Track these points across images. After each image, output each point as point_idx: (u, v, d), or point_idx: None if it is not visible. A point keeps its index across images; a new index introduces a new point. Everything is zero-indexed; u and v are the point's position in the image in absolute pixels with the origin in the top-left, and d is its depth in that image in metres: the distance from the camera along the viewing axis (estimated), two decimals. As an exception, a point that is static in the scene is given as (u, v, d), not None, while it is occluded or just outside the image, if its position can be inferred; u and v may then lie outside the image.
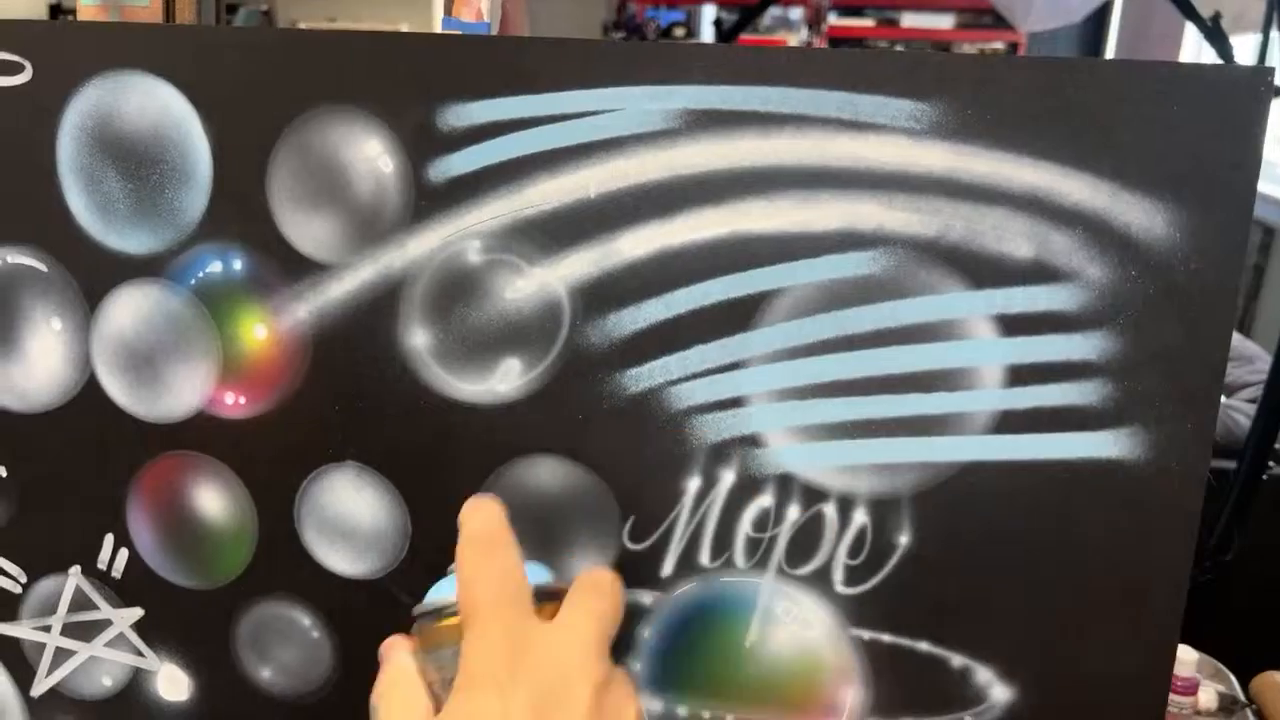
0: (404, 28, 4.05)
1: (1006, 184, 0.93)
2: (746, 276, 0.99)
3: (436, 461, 1.11)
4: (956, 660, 0.97)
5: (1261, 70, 0.86)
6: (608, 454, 1.04)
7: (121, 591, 1.12)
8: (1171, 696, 1.81)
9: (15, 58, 1.12)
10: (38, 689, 1.26)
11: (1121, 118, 0.89)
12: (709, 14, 7.88)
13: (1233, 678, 2.02)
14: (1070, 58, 0.89)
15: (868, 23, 7.82)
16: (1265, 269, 6.47)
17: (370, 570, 1.16)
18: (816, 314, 0.98)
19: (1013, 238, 0.93)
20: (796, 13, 7.56)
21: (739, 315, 0.99)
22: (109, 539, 1.18)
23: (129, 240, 1.16)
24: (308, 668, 1.20)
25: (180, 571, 1.24)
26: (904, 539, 0.98)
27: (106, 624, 1.23)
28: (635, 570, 1.06)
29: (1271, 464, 2.31)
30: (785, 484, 1.00)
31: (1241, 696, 1.96)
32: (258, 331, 1.14)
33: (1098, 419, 0.88)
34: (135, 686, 1.25)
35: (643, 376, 1.02)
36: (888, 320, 0.96)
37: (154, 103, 1.12)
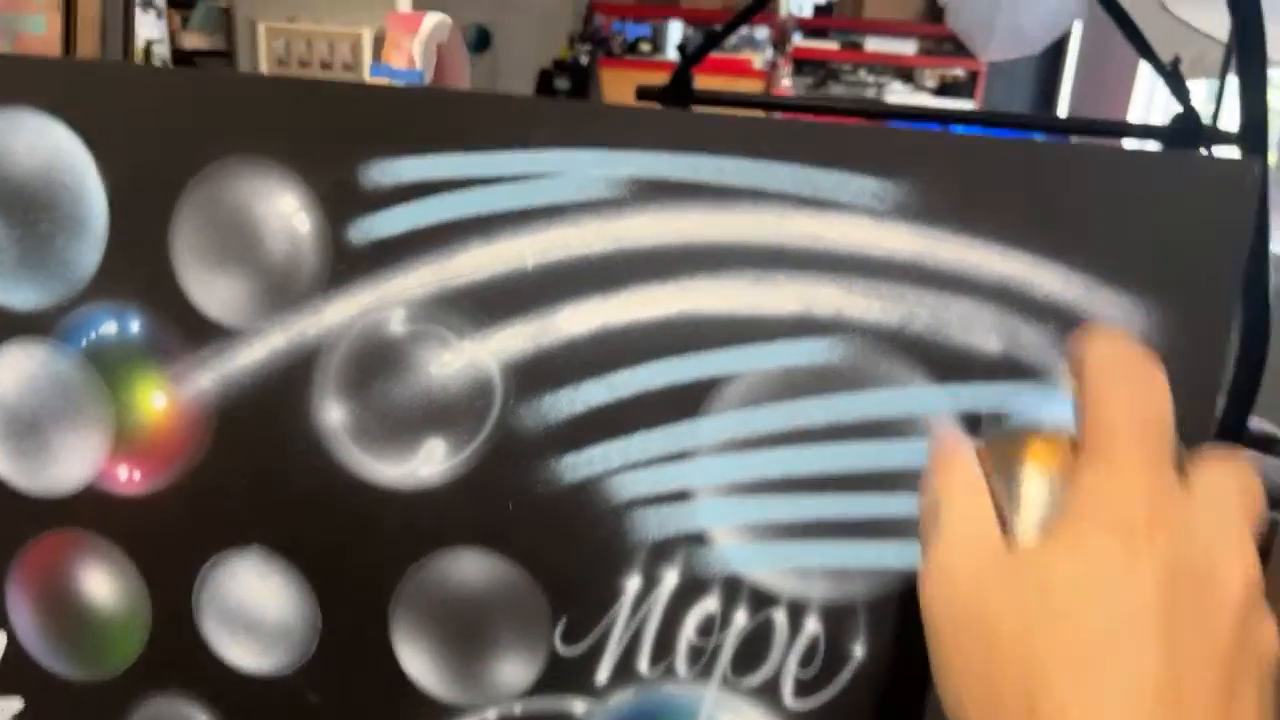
0: (366, 33, 3.89)
1: (975, 272, 0.83)
2: (695, 360, 0.88)
3: (351, 550, 0.98)
4: (913, 784, 0.87)
5: (1248, 163, 0.78)
6: (539, 547, 0.92)
7: (-8, 685, 0.95)
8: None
9: (-112, 89, 0.98)
10: (-106, 788, 1.10)
11: (1099, 207, 0.80)
12: (675, 31, 7.73)
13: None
14: (1047, 142, 0.80)
15: (832, 45, 7.75)
16: None
17: (276, 666, 1.02)
18: (769, 403, 0.87)
19: (981, 330, 0.84)
20: (762, 33, 7.40)
21: (687, 401, 0.88)
22: (-18, 622, 1.05)
23: (13, 294, 1.01)
24: (201, 772, 1.06)
25: (64, 660, 1.09)
26: (859, 650, 0.88)
27: (-23, 716, 1.08)
28: (566, 676, 0.94)
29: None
30: (733, 586, 0.89)
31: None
32: (155, 400, 1.00)
33: (1069, 528, 0.79)
34: (6, 786, 1.09)
35: (580, 464, 0.91)
36: (845, 413, 0.86)
37: (45, 143, 0.98)
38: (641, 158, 0.86)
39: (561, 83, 4.44)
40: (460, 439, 0.91)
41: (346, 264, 0.91)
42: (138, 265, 0.96)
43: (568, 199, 0.87)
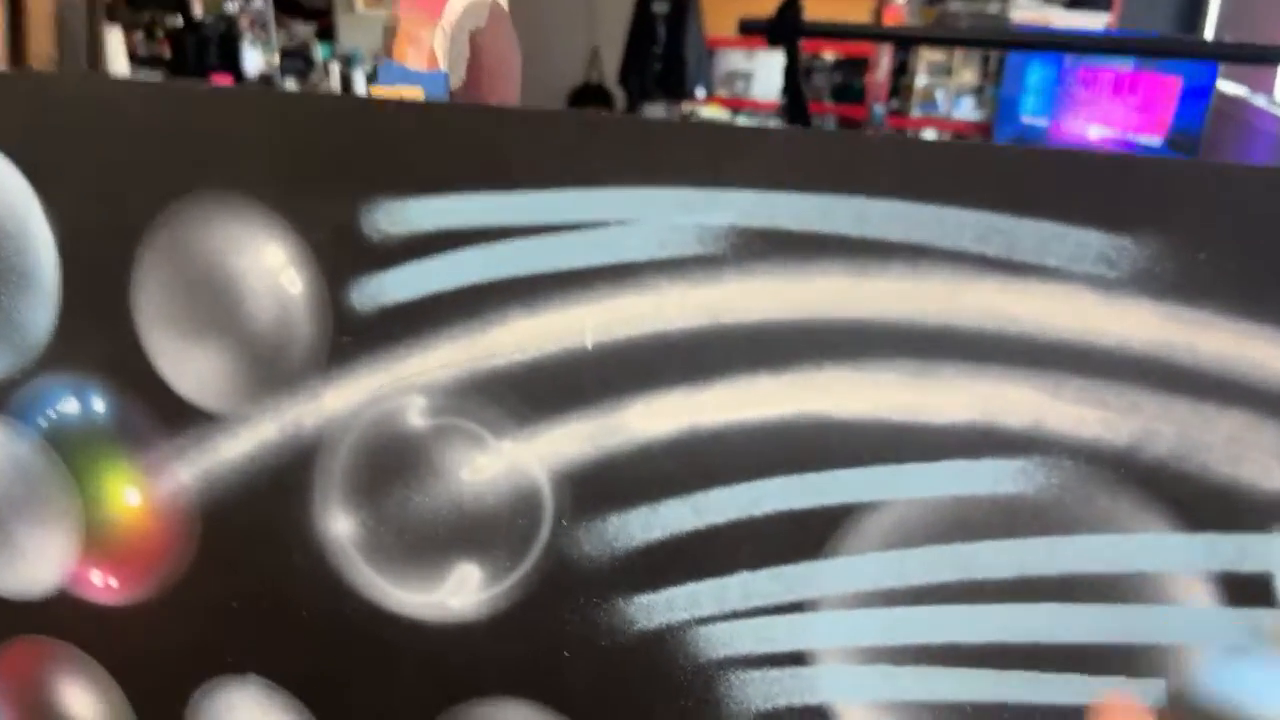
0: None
1: (1255, 374, 0.51)
2: (821, 481, 0.58)
3: (367, 690, 0.71)
4: None
5: None
6: (603, 708, 0.64)
7: None
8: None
9: None
10: None
11: None
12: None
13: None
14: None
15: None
16: None
17: (280, 816, 0.77)
18: (929, 544, 0.57)
19: (1257, 459, 0.51)
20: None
21: (807, 535, 0.58)
22: (-44, 735, 0.84)
23: (-39, 359, 0.76)
24: None
25: (49, 778, 0.85)
26: None
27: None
28: None
29: None
30: (864, 780, 0.59)
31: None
32: (128, 495, 0.74)
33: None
34: None
35: (658, 608, 0.62)
36: (1043, 565, 0.55)
37: (-18, 176, 0.72)
38: (747, 199, 0.54)
39: (660, 5, 3.97)
40: (500, 565, 0.63)
41: (350, 335, 0.62)
42: (96, 329, 0.69)
43: (643, 255, 0.56)
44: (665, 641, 0.63)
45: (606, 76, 4.92)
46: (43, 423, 0.74)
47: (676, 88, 4.46)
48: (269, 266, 0.66)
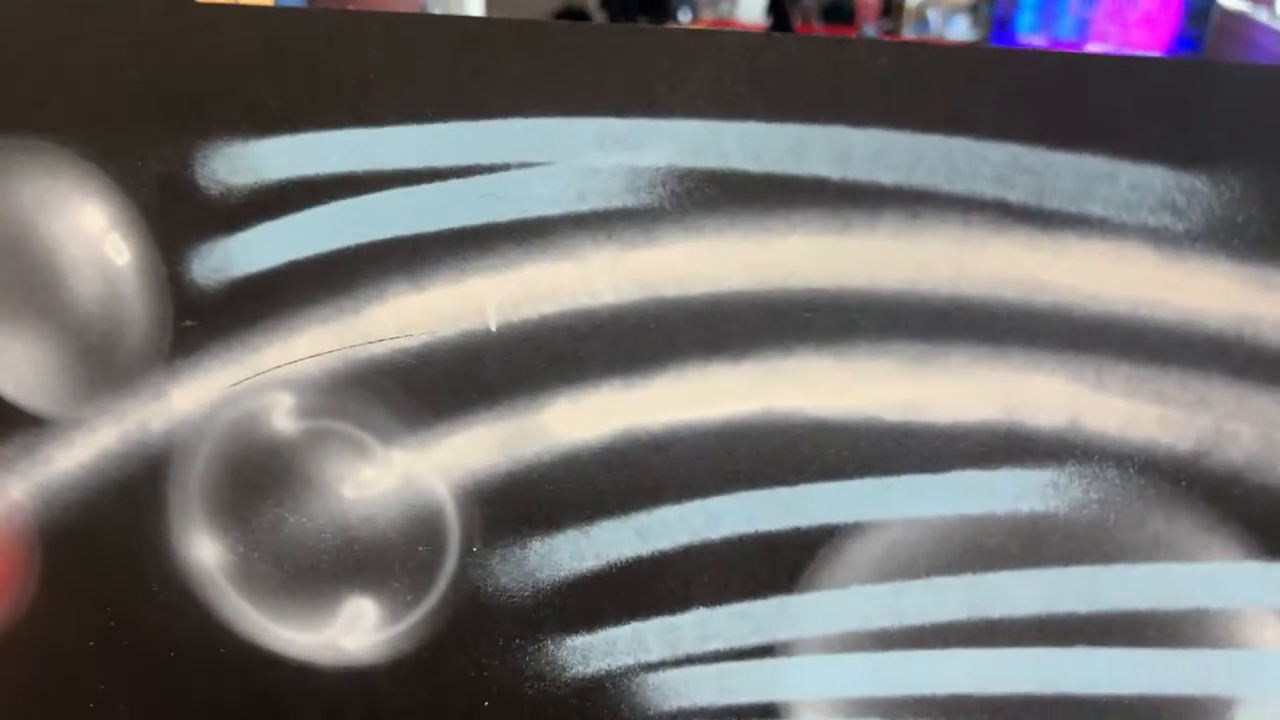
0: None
1: (1367, 351, 0.38)
2: (795, 496, 0.45)
3: (251, 742, 0.58)
4: None
5: None
6: (533, 768, 0.52)
7: None
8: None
9: None
10: None
11: None
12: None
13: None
14: None
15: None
16: None
17: None
18: (931, 575, 0.44)
19: (1365, 462, 0.39)
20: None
21: (777, 564, 0.46)
22: None
23: None
24: None
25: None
26: None
27: None
28: None
29: None
30: None
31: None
32: (-51, 515, 0.60)
33: None
34: None
35: (595, 651, 0.49)
36: (1078, 600, 0.43)
37: None
38: (691, 131, 0.40)
39: None
40: (399, 600, 0.50)
41: (194, 318, 0.48)
42: (-113, 315, 0.54)
43: (556, 208, 0.42)
44: (605, 691, 0.51)
45: (589, -2, 4.67)
46: None
47: (659, 9, 4.23)
48: (87, 231, 0.52)
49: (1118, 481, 0.42)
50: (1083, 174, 0.38)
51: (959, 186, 0.40)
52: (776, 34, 0.39)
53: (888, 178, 0.40)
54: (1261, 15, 2.51)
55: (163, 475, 0.56)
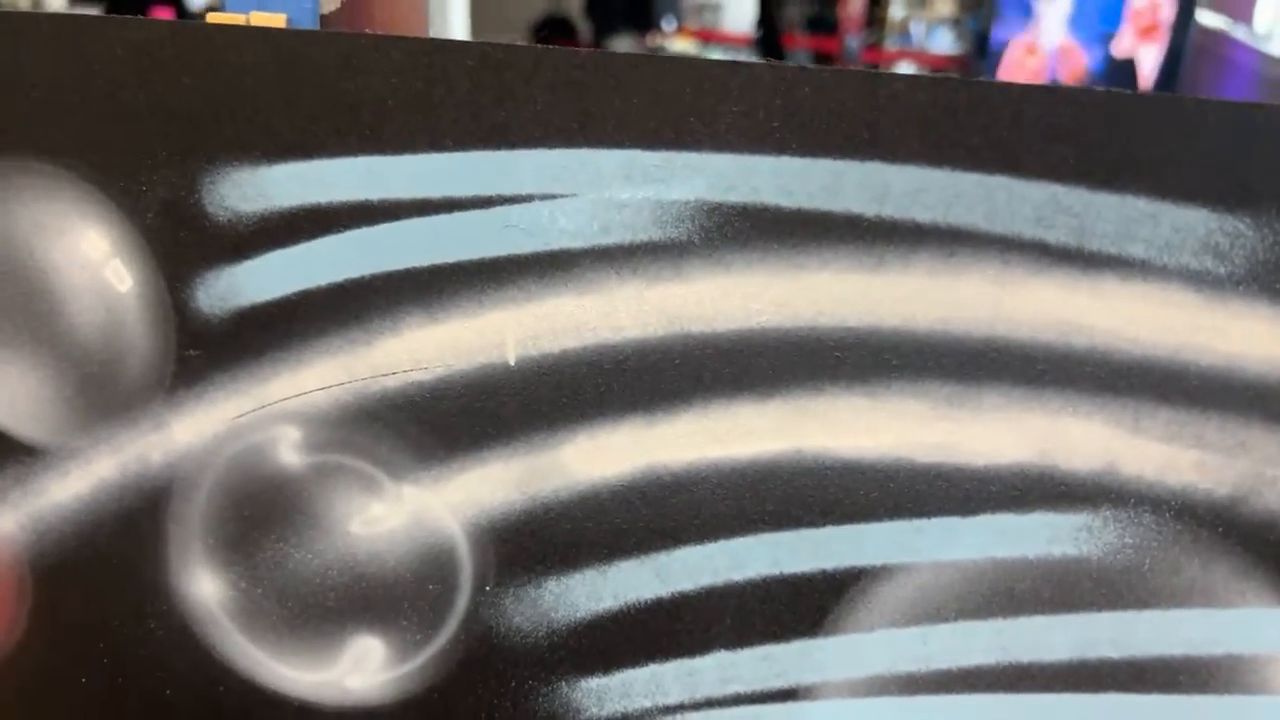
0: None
1: None
2: (822, 538, 0.44)
3: (250, 783, 0.56)
4: None
5: None
6: (545, 812, 0.50)
7: None
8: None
9: None
10: None
11: None
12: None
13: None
14: None
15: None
16: None
17: None
18: (960, 619, 0.43)
19: (1407, 509, 0.38)
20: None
21: (803, 606, 0.44)
22: None
23: None
24: None
25: None
26: None
27: None
28: None
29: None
30: None
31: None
32: (-64, 546, 0.58)
33: None
34: None
35: (611, 694, 0.48)
36: (1110, 646, 0.42)
37: None
38: (722, 165, 0.39)
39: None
40: (408, 640, 0.49)
41: (198, 348, 0.47)
42: (-126, 339, 0.52)
43: (580, 241, 0.41)
44: (620, 734, 0.50)
45: (572, 7, 4.64)
46: None
47: (643, 17, 4.21)
48: (88, 257, 0.50)
49: (1153, 527, 0.41)
50: (1124, 215, 0.38)
51: (997, 226, 0.39)
52: (812, 67, 0.38)
53: (924, 216, 0.39)
54: (1240, 32, 2.54)
55: (162, 508, 0.54)
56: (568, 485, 0.47)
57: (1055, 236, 0.38)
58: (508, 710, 0.51)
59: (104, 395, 0.52)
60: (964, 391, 0.41)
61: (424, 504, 0.49)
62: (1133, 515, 0.41)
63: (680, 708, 0.49)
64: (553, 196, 0.43)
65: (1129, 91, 0.36)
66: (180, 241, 0.48)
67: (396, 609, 0.51)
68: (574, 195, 0.43)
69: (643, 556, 0.47)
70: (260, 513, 0.52)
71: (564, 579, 0.49)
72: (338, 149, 0.45)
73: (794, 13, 4.20)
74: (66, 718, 0.60)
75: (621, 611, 0.48)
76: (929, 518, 0.43)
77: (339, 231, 0.46)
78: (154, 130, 0.47)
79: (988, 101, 0.38)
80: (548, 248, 0.43)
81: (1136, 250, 0.38)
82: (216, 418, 0.51)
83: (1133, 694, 0.43)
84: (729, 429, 0.44)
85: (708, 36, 4.38)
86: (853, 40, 4.02)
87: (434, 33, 0.59)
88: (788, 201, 0.40)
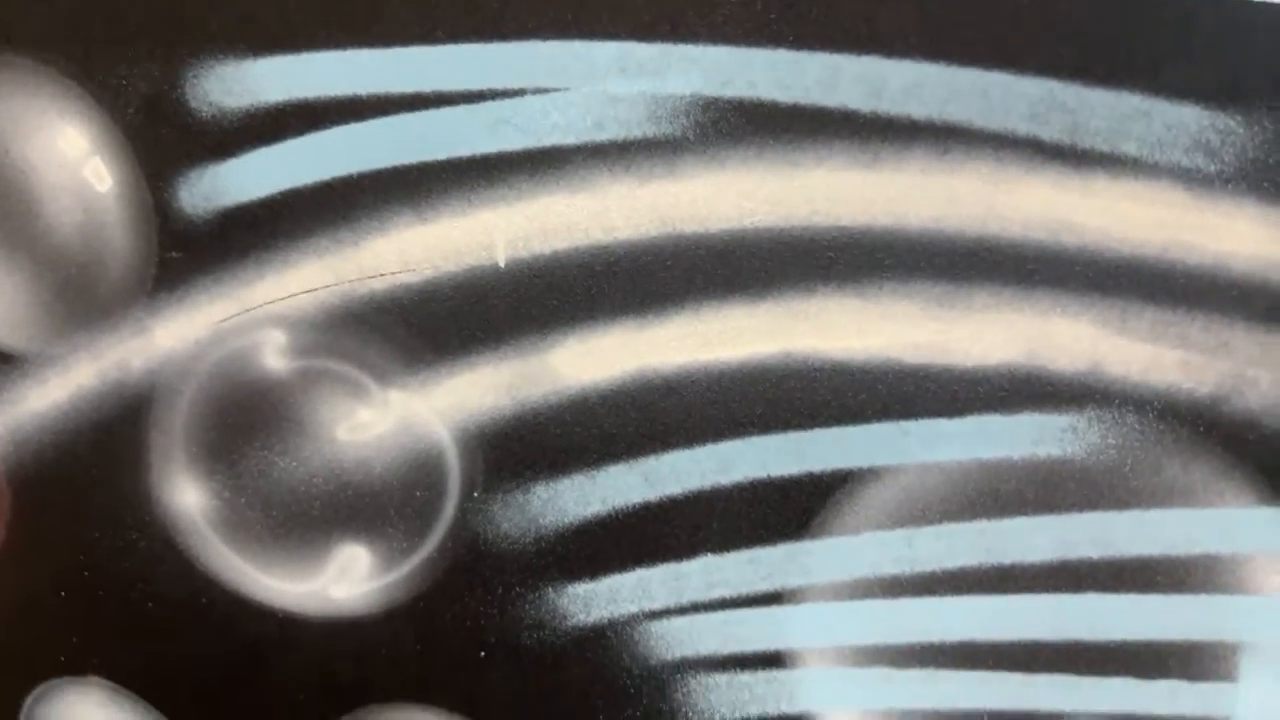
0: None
1: (1390, 297, 0.38)
2: (809, 441, 0.44)
3: (235, 697, 0.57)
4: None
5: None
6: None
7: None
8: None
9: None
10: None
11: None
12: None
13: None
14: None
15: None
16: None
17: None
18: (945, 521, 0.44)
19: (1382, 408, 0.39)
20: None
21: (789, 509, 0.45)
22: None
23: None
24: None
25: None
26: None
27: None
28: None
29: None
30: (854, 805, 0.48)
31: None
32: (-90, 458, 0.57)
33: None
34: None
35: (598, 598, 0.49)
36: (1091, 546, 0.43)
37: None
38: (717, 58, 0.39)
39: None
40: (394, 547, 0.49)
41: (180, 250, 0.46)
42: None
43: (571, 137, 0.41)
44: (607, 640, 0.50)
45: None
46: None
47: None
48: (66, 156, 0.49)
49: (1137, 427, 0.42)
50: (1118, 112, 0.38)
51: (992, 123, 0.39)
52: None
53: (919, 111, 0.39)
54: None
55: (143, 416, 0.53)
56: (557, 390, 0.47)
57: (1049, 133, 0.39)
58: (494, 618, 0.52)
59: (83, 300, 0.52)
60: (955, 291, 0.42)
61: (411, 409, 0.49)
62: (1117, 415, 0.42)
63: (666, 612, 0.49)
64: (545, 90, 0.42)
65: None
66: (162, 139, 0.48)
67: (383, 516, 0.52)
68: (567, 89, 0.42)
69: (631, 461, 0.47)
70: (244, 419, 0.52)
71: (552, 484, 0.49)
72: (326, 42, 0.44)
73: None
74: (46, 635, 0.60)
75: (609, 516, 0.49)
76: (916, 419, 0.43)
77: (326, 128, 0.45)
78: (135, 22, 0.46)
79: (986, -7, 0.38)
80: (539, 144, 0.43)
81: (1129, 148, 0.38)
82: (199, 322, 0.50)
83: (1112, 593, 0.44)
84: (720, 332, 0.44)
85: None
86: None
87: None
88: (784, 96, 0.40)
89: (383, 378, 0.49)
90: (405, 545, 0.52)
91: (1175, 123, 0.38)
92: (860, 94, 0.39)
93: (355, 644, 0.55)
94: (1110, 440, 0.42)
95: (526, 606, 0.51)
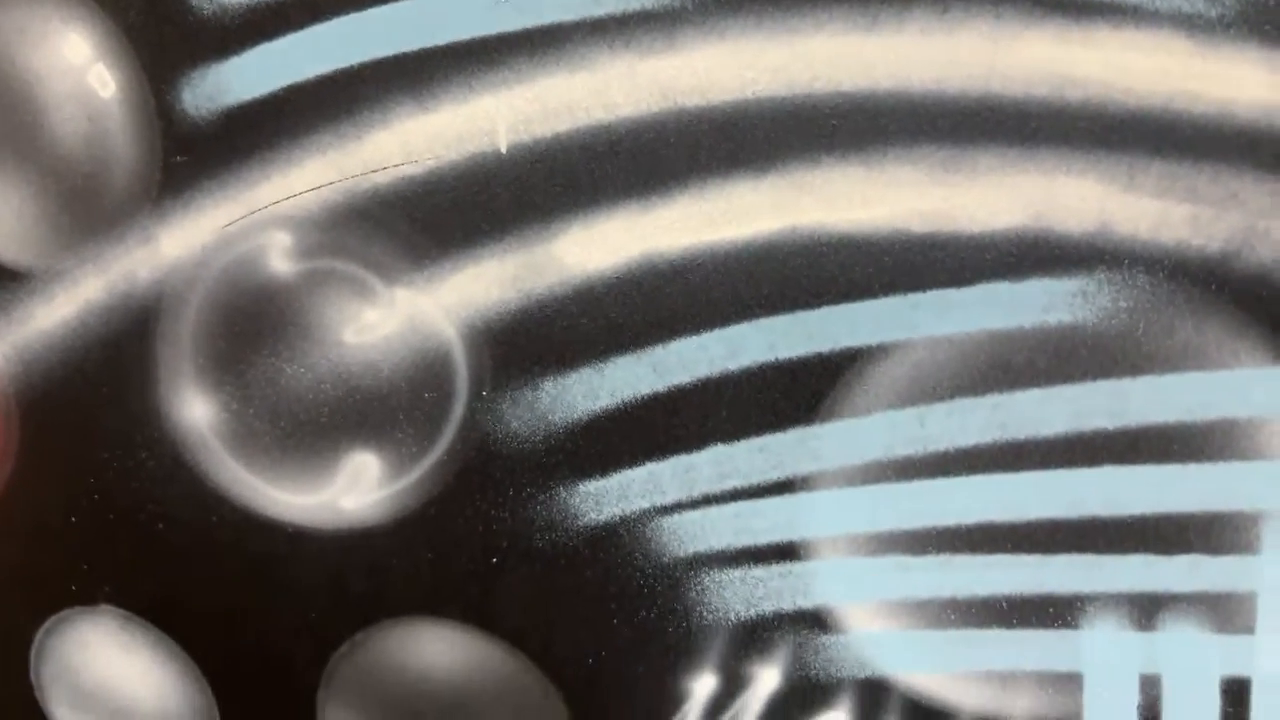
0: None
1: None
2: (817, 320, 0.44)
3: (248, 617, 0.57)
4: None
5: None
6: (544, 625, 0.51)
7: None
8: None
9: None
10: None
11: None
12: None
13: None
14: None
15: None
16: None
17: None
18: (956, 397, 0.44)
19: (1396, 256, 0.39)
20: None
21: (798, 393, 0.45)
22: None
23: None
24: None
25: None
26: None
27: None
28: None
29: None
30: (874, 696, 0.48)
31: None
32: (-80, 385, 0.58)
33: None
34: None
35: (609, 495, 0.48)
36: (1105, 416, 0.43)
37: None
38: (716, -79, 0.39)
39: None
40: (404, 453, 0.49)
41: (185, 153, 0.46)
42: None
43: (570, 14, 0.41)
44: (619, 538, 0.50)
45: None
46: None
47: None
48: (71, 64, 0.49)
49: (1147, 287, 0.41)
50: (1118, -42, 0.38)
51: (992, -25, 0.39)
52: None
53: (918, -32, 0.39)
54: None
55: (151, 329, 0.53)
56: (562, 280, 0.47)
57: (1050, -16, 0.39)
58: (505, 521, 0.52)
59: (90, 210, 0.52)
60: (959, 155, 0.41)
61: (417, 307, 0.49)
62: (1127, 276, 0.41)
63: (678, 506, 0.49)
64: (544, -32, 0.42)
65: None
66: (164, 39, 0.48)
67: (392, 421, 0.51)
68: (565, -34, 0.42)
69: (639, 351, 0.47)
70: (251, 327, 0.52)
71: (561, 379, 0.49)
72: (324, -68, 0.45)
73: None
74: (57, 564, 0.60)
75: (619, 410, 0.48)
76: (924, 291, 0.43)
77: (327, 19, 0.46)
78: (134, -78, 0.47)
79: None
80: (538, 23, 0.43)
81: (1158, 1, 0.38)
82: (205, 227, 0.50)
83: (1127, 465, 0.44)
84: (724, 210, 0.44)
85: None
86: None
87: None
88: (782, -41, 0.40)
89: (388, 276, 0.49)
90: (415, 450, 0.52)
91: (1177, -31, 0.38)
92: (859, -47, 0.39)
93: (366, 556, 0.54)
94: (1121, 303, 0.42)
95: (538, 507, 0.51)
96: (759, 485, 0.46)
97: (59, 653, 0.62)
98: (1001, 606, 0.45)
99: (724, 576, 0.48)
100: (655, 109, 0.42)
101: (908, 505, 0.45)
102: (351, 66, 0.44)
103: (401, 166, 0.45)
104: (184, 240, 0.49)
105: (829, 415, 0.45)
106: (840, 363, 0.44)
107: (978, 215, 0.40)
